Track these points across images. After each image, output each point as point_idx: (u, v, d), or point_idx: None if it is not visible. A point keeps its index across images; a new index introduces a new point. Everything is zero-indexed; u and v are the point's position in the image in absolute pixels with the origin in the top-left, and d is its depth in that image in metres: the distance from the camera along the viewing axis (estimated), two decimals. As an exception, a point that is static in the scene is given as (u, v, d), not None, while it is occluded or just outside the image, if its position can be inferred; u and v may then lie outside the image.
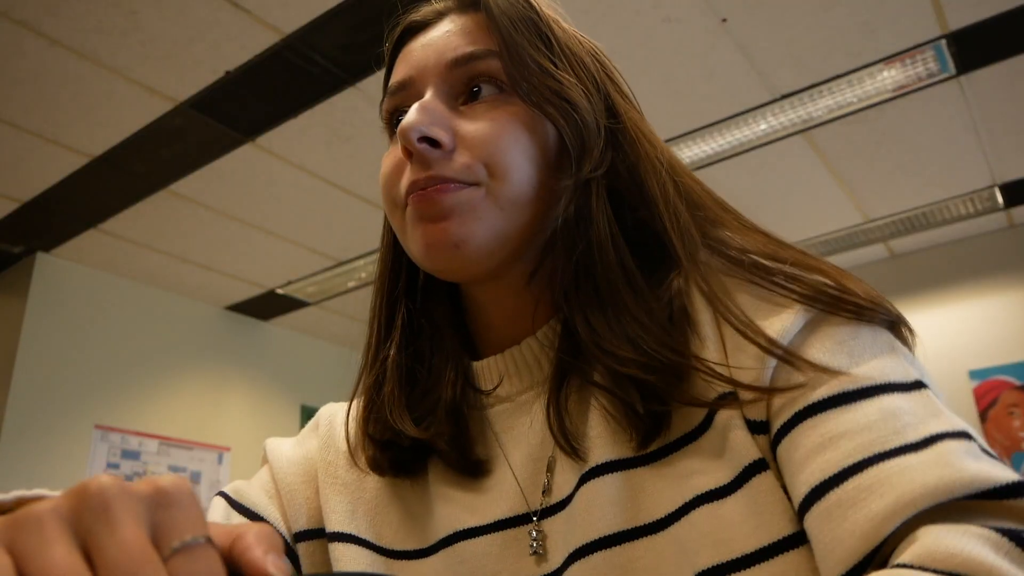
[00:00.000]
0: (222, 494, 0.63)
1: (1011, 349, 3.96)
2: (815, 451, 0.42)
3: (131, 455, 4.17)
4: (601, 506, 0.48)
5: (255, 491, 0.62)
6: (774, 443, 0.46)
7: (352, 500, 0.59)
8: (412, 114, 0.52)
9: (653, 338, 0.48)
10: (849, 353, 0.45)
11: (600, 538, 0.47)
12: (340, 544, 0.57)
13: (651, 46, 2.74)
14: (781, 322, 0.47)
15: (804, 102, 3.09)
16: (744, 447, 0.46)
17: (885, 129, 3.29)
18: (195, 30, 2.61)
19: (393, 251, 0.62)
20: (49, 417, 3.84)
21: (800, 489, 0.42)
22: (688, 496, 0.46)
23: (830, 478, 0.40)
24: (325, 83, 2.88)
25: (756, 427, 0.47)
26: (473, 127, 0.53)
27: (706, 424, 0.48)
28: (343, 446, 0.62)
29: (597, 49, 0.62)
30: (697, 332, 0.51)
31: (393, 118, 0.61)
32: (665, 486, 0.47)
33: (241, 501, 0.61)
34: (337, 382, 5.66)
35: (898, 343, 0.48)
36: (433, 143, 0.52)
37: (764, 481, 0.45)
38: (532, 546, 0.50)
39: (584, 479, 0.49)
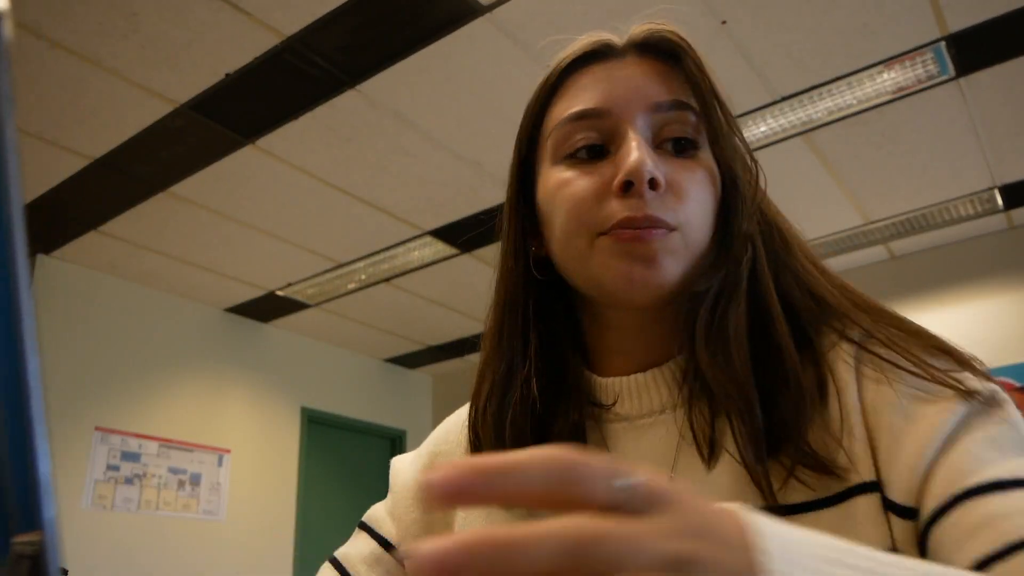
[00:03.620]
0: (361, 524, 0.77)
1: (1011, 350, 3.96)
2: (977, 529, 0.44)
3: (131, 457, 4.17)
4: None
5: (381, 510, 0.75)
6: (927, 525, 0.47)
7: (487, 510, 0.63)
8: (641, 153, 0.55)
9: (803, 413, 0.51)
10: (999, 449, 0.48)
11: None
12: None
13: (651, 48, 2.74)
14: (943, 413, 0.49)
15: (804, 104, 3.10)
16: (875, 532, 0.49)
17: (885, 131, 3.29)
18: (195, 32, 2.61)
19: (525, 270, 0.64)
20: (49, 419, 3.82)
21: (962, 563, 0.44)
22: None
23: (997, 551, 0.42)
24: (325, 85, 2.88)
25: (899, 511, 0.49)
26: (677, 176, 0.57)
27: (835, 500, 0.51)
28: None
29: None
30: (841, 408, 0.53)
31: (570, 140, 0.61)
32: None
33: (368, 522, 0.75)
34: (337, 383, 5.68)
35: None
36: (652, 184, 0.55)
37: None
38: None
39: None
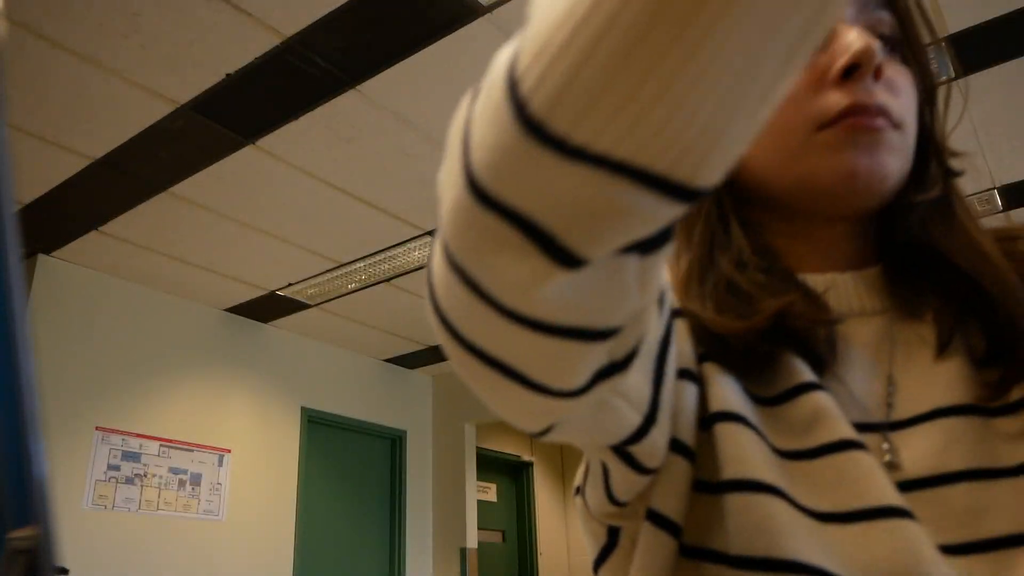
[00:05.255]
0: None
1: (1011, 351, 3.96)
2: None
3: (132, 456, 4.17)
4: (957, 442, 0.49)
5: None
6: None
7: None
8: (866, 35, 0.51)
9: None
10: None
11: (956, 472, 0.48)
12: (730, 424, 0.50)
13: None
14: None
15: (804, 104, 3.10)
16: None
17: (885, 131, 3.29)
18: (196, 32, 2.61)
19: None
20: (50, 419, 3.85)
21: None
22: None
23: None
24: (325, 85, 2.89)
25: None
26: (892, 74, 0.53)
27: None
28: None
29: None
30: None
31: None
32: (1019, 435, 0.48)
33: None
34: (337, 383, 5.68)
35: None
36: (876, 73, 0.51)
37: None
38: (886, 458, 0.50)
39: (939, 414, 0.50)
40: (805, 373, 0.51)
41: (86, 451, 3.98)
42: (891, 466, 0.49)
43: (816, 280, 0.57)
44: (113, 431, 4.13)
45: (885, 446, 0.50)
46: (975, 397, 0.50)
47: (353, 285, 4.60)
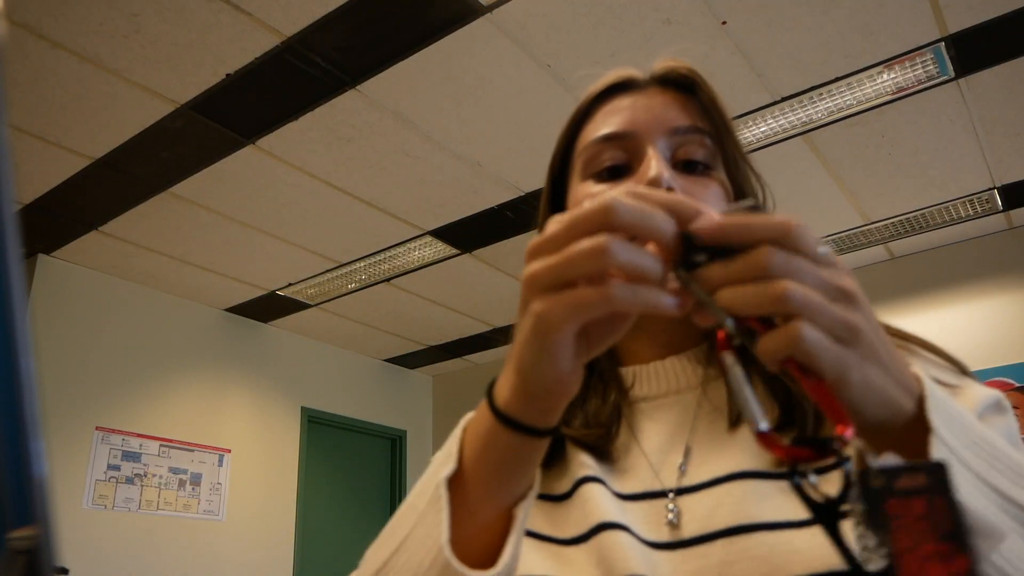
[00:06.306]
0: None
1: (1011, 350, 3.96)
2: None
3: (132, 456, 4.17)
4: (723, 505, 0.57)
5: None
6: None
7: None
8: (659, 165, 0.62)
9: None
10: (1015, 445, 0.54)
11: (717, 531, 0.55)
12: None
13: (651, 48, 2.74)
14: (972, 397, 0.56)
15: (804, 104, 3.10)
16: None
17: (885, 131, 3.29)
18: (196, 33, 2.61)
19: None
20: (50, 419, 3.85)
21: None
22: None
23: None
24: (325, 85, 2.89)
25: None
26: (691, 188, 0.64)
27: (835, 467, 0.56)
28: None
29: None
30: None
31: (598, 159, 0.68)
32: (787, 501, 0.55)
33: None
34: (337, 383, 5.67)
35: None
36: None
37: None
38: (669, 517, 0.59)
39: (719, 481, 0.59)
40: (586, 467, 0.63)
41: (86, 451, 3.98)
42: (672, 526, 0.59)
43: (627, 372, 0.69)
44: (113, 431, 4.13)
45: (671, 507, 0.59)
46: (761, 463, 0.58)
47: (353, 285, 4.60)
